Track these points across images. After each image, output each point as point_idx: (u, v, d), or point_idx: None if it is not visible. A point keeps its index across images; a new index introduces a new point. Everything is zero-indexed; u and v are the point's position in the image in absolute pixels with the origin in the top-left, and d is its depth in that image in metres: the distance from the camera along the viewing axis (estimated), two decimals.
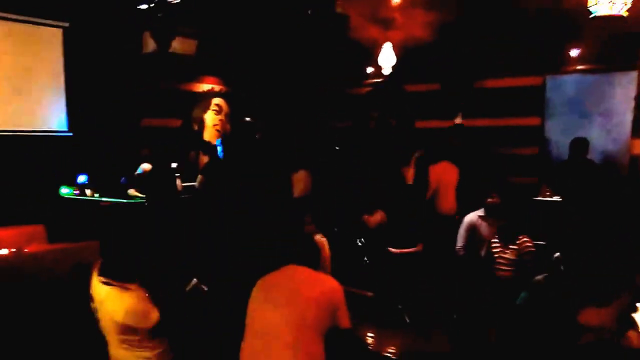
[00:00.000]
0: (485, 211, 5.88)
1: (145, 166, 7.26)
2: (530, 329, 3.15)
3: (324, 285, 3.30)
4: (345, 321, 3.32)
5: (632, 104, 6.20)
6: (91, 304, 3.34)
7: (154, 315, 3.25)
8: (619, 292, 3.04)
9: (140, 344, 3.28)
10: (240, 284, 4.44)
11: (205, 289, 4.90)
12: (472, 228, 5.88)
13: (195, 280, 4.98)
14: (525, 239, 5.13)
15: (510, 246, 5.15)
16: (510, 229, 5.21)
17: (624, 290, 3.07)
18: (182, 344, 4.14)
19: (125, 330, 3.23)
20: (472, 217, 5.98)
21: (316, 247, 3.71)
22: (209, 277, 5.02)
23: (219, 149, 8.26)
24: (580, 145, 7.10)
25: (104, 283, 3.26)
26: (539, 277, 3.44)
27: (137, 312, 3.23)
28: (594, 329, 2.96)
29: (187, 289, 4.86)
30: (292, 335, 3.09)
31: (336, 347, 3.24)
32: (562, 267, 3.57)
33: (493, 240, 5.31)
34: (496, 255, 5.19)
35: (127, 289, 3.24)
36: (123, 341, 3.27)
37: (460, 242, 5.94)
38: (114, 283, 3.25)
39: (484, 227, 5.84)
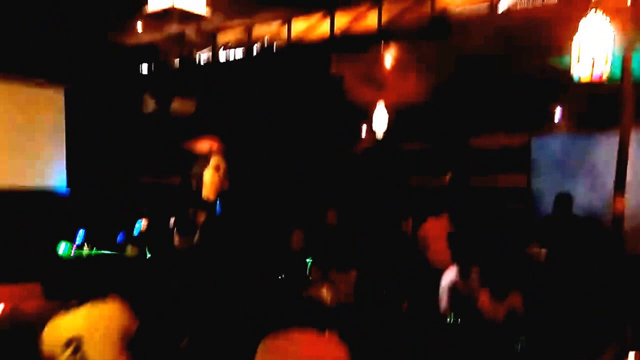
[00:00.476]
0: (461, 268, 5.90)
1: (143, 223, 7.42)
2: None
3: (331, 353, 3.32)
4: None
5: (614, 162, 6.43)
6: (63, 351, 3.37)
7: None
8: (607, 345, 3.17)
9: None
10: (239, 343, 4.53)
11: (200, 345, 4.99)
12: (454, 287, 5.87)
13: (189, 337, 5.08)
14: (515, 296, 5.25)
15: (501, 303, 5.27)
16: (501, 286, 5.34)
17: (612, 343, 3.21)
18: None
19: (123, 336, 3.35)
20: (450, 278, 5.93)
21: (321, 307, 3.74)
22: (205, 334, 5.14)
23: (217, 206, 8.43)
24: (564, 201, 7.33)
25: (77, 305, 3.41)
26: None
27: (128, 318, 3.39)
28: None
29: (182, 345, 4.96)
30: None
31: None
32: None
33: (485, 297, 5.42)
34: (486, 311, 5.31)
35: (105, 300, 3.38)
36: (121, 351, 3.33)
37: (443, 304, 5.87)
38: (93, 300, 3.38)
39: (463, 286, 5.85)
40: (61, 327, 3.41)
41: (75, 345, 3.32)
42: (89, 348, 3.29)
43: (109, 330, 3.32)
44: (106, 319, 3.34)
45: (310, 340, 3.37)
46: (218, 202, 8.71)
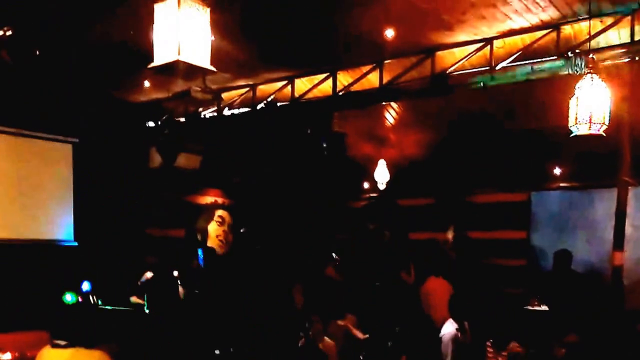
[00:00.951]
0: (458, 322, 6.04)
1: (148, 274, 7.51)
2: None
3: None
4: None
5: (612, 218, 6.55)
6: None
7: None
8: None
9: None
10: None
11: None
12: (455, 341, 5.98)
13: None
14: (514, 344, 5.35)
15: (503, 353, 5.37)
16: (502, 337, 5.46)
17: None
18: None
19: None
20: (451, 331, 6.03)
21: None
22: None
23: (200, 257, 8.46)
24: (563, 257, 7.48)
25: (65, 347, 3.46)
26: None
27: None
28: None
29: None
30: None
31: None
32: None
33: (488, 347, 5.52)
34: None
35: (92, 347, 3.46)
36: None
37: (448, 353, 5.92)
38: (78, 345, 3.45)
39: (467, 333, 6.02)
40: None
41: None
42: None
43: None
44: None
45: None
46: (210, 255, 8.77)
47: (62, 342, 3.52)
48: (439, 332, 7.43)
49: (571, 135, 5.03)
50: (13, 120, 7.31)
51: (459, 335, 5.97)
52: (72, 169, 7.92)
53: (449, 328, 6.08)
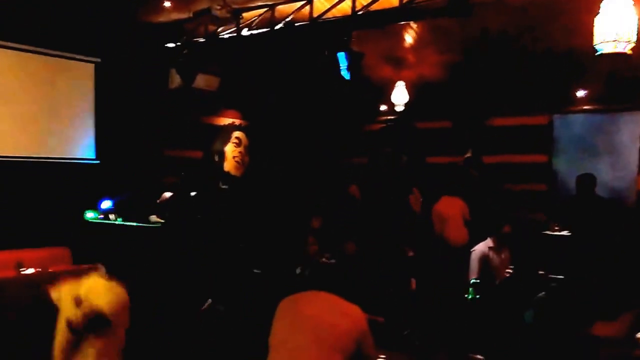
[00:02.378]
0: (496, 241, 6.15)
1: (167, 194, 7.62)
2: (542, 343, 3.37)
3: (351, 315, 3.35)
4: (371, 350, 3.42)
5: (637, 142, 6.45)
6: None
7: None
8: (626, 309, 3.28)
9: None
10: (259, 304, 4.68)
11: (222, 309, 5.18)
12: (484, 259, 6.11)
13: (210, 300, 5.26)
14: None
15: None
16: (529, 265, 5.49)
17: (632, 307, 3.33)
18: None
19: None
20: (482, 248, 6.19)
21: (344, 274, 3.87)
22: (226, 297, 5.32)
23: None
24: (587, 181, 7.37)
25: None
26: (540, 295, 3.67)
27: (125, 306, 3.51)
28: (608, 340, 3.17)
29: (203, 308, 5.15)
30: (319, 358, 3.16)
31: None
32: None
33: (508, 271, 5.57)
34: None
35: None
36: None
37: (474, 275, 6.05)
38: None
39: (494, 258, 6.10)
40: (71, 286, 3.58)
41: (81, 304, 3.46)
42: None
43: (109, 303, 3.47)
44: (109, 293, 3.50)
45: (332, 298, 3.47)
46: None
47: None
48: (452, 250, 7.58)
49: (596, 55, 4.89)
50: (38, 40, 7.29)
51: (491, 254, 6.10)
52: (94, 89, 7.94)
53: (481, 246, 6.20)
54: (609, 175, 8.15)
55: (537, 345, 3.38)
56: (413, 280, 7.13)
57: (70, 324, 3.37)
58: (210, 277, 5.73)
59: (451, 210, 7.82)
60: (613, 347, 3.11)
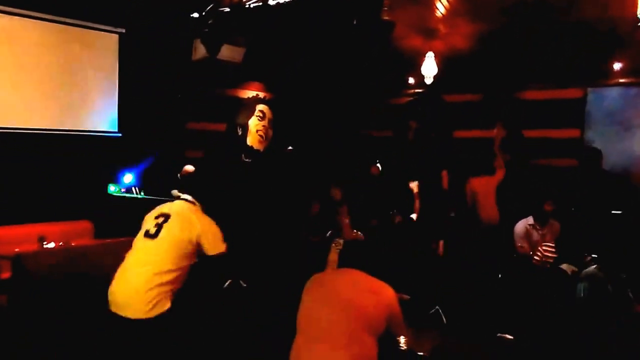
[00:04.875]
0: (537, 218, 6.09)
1: (188, 167, 7.51)
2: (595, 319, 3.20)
3: (381, 293, 3.29)
4: (400, 329, 3.40)
5: None
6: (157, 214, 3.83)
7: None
8: None
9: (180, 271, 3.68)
10: (283, 281, 4.58)
11: (244, 285, 5.09)
12: (526, 236, 6.09)
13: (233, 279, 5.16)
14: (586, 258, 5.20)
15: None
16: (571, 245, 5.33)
17: None
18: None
19: (187, 246, 3.68)
20: (523, 225, 6.19)
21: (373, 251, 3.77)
22: (249, 274, 5.22)
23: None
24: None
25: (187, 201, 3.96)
26: (592, 269, 3.51)
27: (218, 233, 3.84)
28: None
29: (225, 285, 5.06)
30: (347, 338, 3.09)
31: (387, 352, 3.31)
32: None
33: (546, 249, 5.41)
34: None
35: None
36: (178, 258, 3.66)
37: (525, 251, 6.05)
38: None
39: (535, 235, 6.05)
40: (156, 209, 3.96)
41: (163, 218, 3.80)
42: (173, 224, 3.76)
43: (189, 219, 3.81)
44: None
45: (362, 277, 3.39)
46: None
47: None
48: (483, 229, 7.44)
49: (638, 24, 4.66)
50: (61, 9, 7.19)
51: (530, 230, 6.09)
52: (118, 60, 7.83)
53: (522, 223, 6.20)
54: None
55: (587, 321, 3.20)
56: (441, 243, 7.06)
57: None
58: (234, 253, 5.62)
59: (483, 187, 7.65)
60: None
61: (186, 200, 4.00)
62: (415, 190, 6.90)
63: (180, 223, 3.75)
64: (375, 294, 3.28)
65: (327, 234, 5.66)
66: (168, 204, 4.04)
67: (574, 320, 3.37)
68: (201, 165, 7.63)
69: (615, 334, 3.11)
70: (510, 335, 4.05)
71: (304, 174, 8.46)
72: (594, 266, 3.41)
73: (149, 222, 3.85)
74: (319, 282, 3.46)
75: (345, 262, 3.56)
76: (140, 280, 3.57)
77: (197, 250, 3.75)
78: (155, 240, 3.70)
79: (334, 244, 4.79)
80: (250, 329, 4.42)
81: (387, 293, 3.33)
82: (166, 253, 3.65)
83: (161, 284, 3.56)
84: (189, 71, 8.31)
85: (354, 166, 8.86)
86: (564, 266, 5.08)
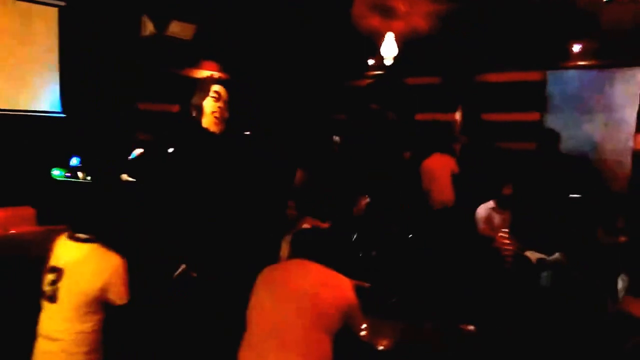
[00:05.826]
0: (498, 203, 6.03)
1: (139, 151, 7.15)
2: (560, 309, 3.01)
3: (338, 288, 3.06)
4: (358, 325, 3.17)
5: (634, 100, 6.13)
6: (49, 270, 3.13)
7: (127, 293, 3.14)
8: None
9: (90, 315, 3.08)
10: (235, 273, 4.30)
11: (195, 275, 4.78)
12: (488, 220, 6.03)
13: (184, 266, 4.85)
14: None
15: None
16: (525, 229, 5.19)
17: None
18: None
19: (94, 297, 3.03)
20: (485, 209, 6.14)
21: (329, 241, 3.52)
22: (199, 263, 4.92)
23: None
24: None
25: (84, 240, 3.12)
26: (557, 256, 3.35)
27: (122, 278, 3.11)
28: None
29: (175, 275, 4.75)
30: (302, 335, 2.88)
31: (345, 348, 3.08)
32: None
33: (501, 235, 5.29)
34: (507, 254, 5.14)
35: (107, 247, 3.14)
36: (77, 310, 3.02)
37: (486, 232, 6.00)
38: (92, 240, 3.14)
39: (496, 219, 5.98)
40: (56, 251, 3.21)
41: (56, 275, 3.09)
42: (64, 285, 3.05)
43: (91, 276, 3.08)
44: (92, 263, 3.10)
45: (318, 269, 3.15)
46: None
47: (83, 236, 3.14)
48: (438, 211, 7.34)
49: (605, 1, 4.53)
50: None
51: (492, 214, 6.04)
52: (59, 36, 7.35)
53: (483, 207, 6.15)
54: (602, 134, 7.83)
55: (553, 312, 3.00)
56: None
57: None
58: (185, 241, 5.32)
59: (440, 169, 7.54)
60: None
61: (83, 240, 3.19)
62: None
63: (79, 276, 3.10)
64: (332, 288, 3.04)
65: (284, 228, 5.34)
66: (62, 245, 3.28)
67: (537, 310, 3.17)
68: (151, 148, 7.25)
69: (583, 329, 2.93)
70: (472, 325, 3.88)
71: (263, 159, 8.18)
72: (558, 253, 3.23)
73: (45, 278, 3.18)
74: (270, 275, 3.20)
75: (298, 252, 3.30)
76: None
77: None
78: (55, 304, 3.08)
79: (284, 240, 4.53)
80: (197, 325, 4.13)
81: (344, 286, 3.10)
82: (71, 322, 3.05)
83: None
84: (138, 48, 7.90)
85: (314, 149, 8.61)
86: (529, 253, 4.94)
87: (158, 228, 5.69)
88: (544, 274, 3.06)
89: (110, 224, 3.30)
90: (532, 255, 4.93)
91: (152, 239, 5.47)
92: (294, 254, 3.31)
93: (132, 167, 7.03)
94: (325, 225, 5.77)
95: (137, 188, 6.72)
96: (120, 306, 3.14)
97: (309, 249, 3.25)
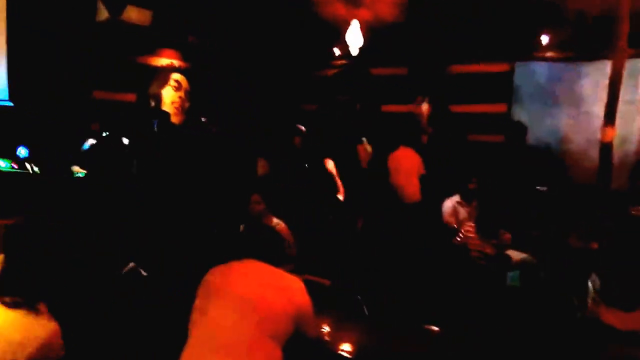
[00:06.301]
0: (463, 196, 5.98)
1: (92, 142, 6.84)
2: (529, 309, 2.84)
3: (290, 291, 2.82)
4: (312, 330, 2.93)
5: (601, 92, 6.04)
6: None
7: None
8: None
9: None
10: (186, 271, 4.06)
11: (144, 274, 4.52)
12: (453, 213, 5.98)
13: (132, 263, 4.58)
14: (507, 236, 4.92)
15: (492, 241, 4.93)
16: (490, 223, 5.00)
17: None
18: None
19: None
20: (450, 202, 6.08)
21: (279, 238, 3.30)
22: (149, 261, 4.66)
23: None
24: (516, 129, 7.18)
25: (4, 304, 2.55)
26: (524, 256, 3.19)
27: (53, 347, 2.55)
28: (620, 333, 2.66)
29: (124, 271, 4.47)
30: (246, 342, 2.62)
31: (297, 354, 2.84)
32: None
33: (467, 229, 5.13)
34: (473, 249, 4.96)
35: (37, 311, 2.56)
36: None
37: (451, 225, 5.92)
38: (20, 303, 2.56)
39: (462, 213, 5.93)
40: None
41: None
42: None
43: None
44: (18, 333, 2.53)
45: (268, 270, 2.92)
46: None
47: (7, 299, 2.59)
48: (404, 206, 7.20)
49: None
50: None
51: (457, 208, 6.00)
52: (6, 19, 6.94)
53: (449, 201, 6.10)
54: (570, 127, 7.73)
55: (521, 312, 2.83)
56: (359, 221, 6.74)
57: None
58: (135, 237, 5.05)
59: (406, 163, 7.40)
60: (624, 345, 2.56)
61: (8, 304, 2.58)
62: (333, 169, 6.49)
63: None
64: (280, 290, 2.80)
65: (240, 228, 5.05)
66: None
67: (505, 311, 2.99)
68: (105, 139, 6.94)
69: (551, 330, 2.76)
70: (437, 326, 3.68)
71: (224, 151, 7.94)
72: (525, 253, 3.07)
73: None
74: (214, 277, 2.93)
75: (246, 251, 3.05)
76: None
77: None
78: None
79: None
80: (140, 328, 3.86)
81: (294, 288, 2.86)
82: None
83: None
84: (93, 34, 7.54)
85: (278, 141, 8.35)
86: (511, 252, 4.75)
87: (108, 222, 5.43)
88: (511, 274, 2.88)
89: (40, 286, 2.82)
90: (514, 254, 4.74)
91: (101, 234, 5.20)
92: (242, 254, 3.06)
93: (84, 158, 6.75)
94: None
95: (89, 181, 6.44)
96: None
97: (257, 247, 3.01)
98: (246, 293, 2.75)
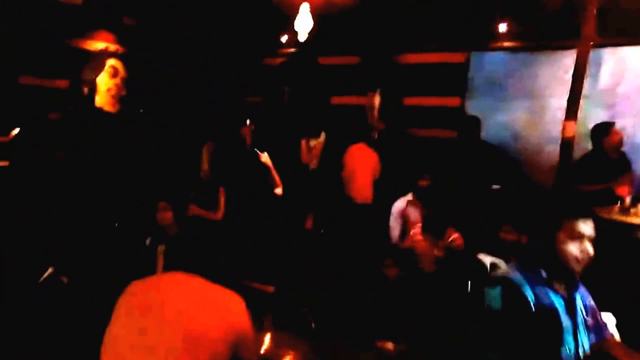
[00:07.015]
0: (415, 195, 5.58)
1: (16, 131, 6.30)
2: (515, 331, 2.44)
3: (226, 310, 2.37)
4: (251, 356, 2.47)
5: (561, 85, 5.82)
6: None
7: None
8: None
9: None
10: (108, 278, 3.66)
11: (65, 280, 4.10)
12: (403, 216, 5.55)
13: (51, 269, 4.16)
14: (455, 235, 4.62)
15: (440, 243, 4.61)
16: (439, 222, 4.68)
17: None
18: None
19: None
20: (400, 203, 5.67)
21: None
22: (70, 266, 4.18)
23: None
24: (471, 124, 6.88)
25: None
26: (505, 268, 2.83)
27: None
28: None
29: (42, 278, 4.04)
30: None
31: None
32: None
33: (414, 232, 4.80)
34: (421, 252, 4.62)
35: None
36: None
37: (395, 233, 5.57)
38: None
39: (412, 214, 5.49)
40: None
41: None
42: None
43: None
44: None
45: (201, 286, 2.44)
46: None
47: None
48: (356, 208, 6.86)
49: None
50: None
51: (408, 208, 5.60)
52: None
53: (400, 201, 5.72)
54: (528, 121, 7.48)
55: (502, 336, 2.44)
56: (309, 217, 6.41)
57: None
58: (56, 240, 4.55)
59: (362, 162, 7.08)
60: None
61: None
62: (269, 162, 6.07)
63: None
64: (214, 310, 2.33)
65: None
66: None
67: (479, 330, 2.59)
68: (31, 129, 6.40)
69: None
70: (392, 343, 3.32)
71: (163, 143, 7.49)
72: (507, 265, 2.70)
73: None
74: (133, 294, 2.45)
75: (176, 263, 2.59)
76: None
77: None
78: None
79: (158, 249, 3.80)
80: (63, 334, 3.43)
81: (232, 307, 2.40)
82: None
83: None
84: (19, 13, 6.94)
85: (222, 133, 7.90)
86: (482, 257, 4.37)
87: (27, 222, 4.93)
88: (492, 291, 2.47)
89: None
90: (485, 258, 4.39)
91: (19, 236, 4.70)
92: (170, 266, 2.60)
93: (7, 149, 6.21)
94: (217, 216, 5.11)
95: (11, 173, 5.92)
96: None
97: (187, 259, 2.56)
98: (175, 315, 2.28)
